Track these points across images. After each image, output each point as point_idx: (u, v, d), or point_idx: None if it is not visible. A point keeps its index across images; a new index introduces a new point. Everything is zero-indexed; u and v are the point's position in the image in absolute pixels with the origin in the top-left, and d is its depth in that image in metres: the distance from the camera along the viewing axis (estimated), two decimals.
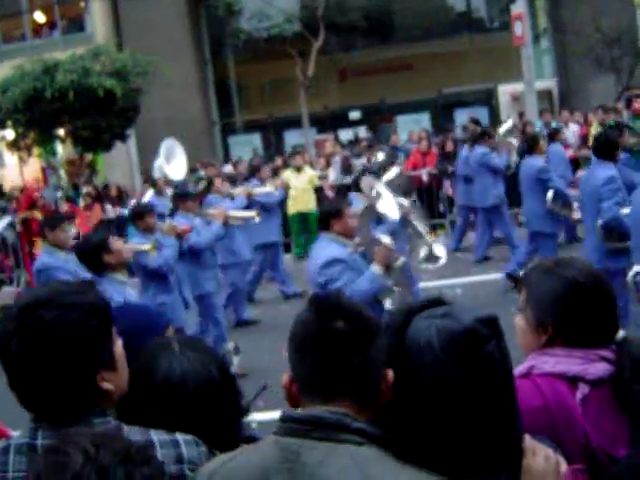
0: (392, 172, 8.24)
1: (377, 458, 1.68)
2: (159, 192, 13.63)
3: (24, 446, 1.88)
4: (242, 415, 2.28)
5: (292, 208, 15.03)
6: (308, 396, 1.79)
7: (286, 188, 15.11)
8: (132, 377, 2.08)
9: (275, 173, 16.50)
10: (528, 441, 1.82)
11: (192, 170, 17.15)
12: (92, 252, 6.10)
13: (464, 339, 1.73)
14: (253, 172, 13.52)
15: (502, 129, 13.22)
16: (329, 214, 6.07)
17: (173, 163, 14.03)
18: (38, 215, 13.81)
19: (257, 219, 9.77)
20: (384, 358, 1.79)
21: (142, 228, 7.89)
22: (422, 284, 10.23)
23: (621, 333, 2.32)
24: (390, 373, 1.78)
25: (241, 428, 2.30)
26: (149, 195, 13.87)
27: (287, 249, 15.94)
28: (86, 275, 6.29)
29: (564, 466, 1.84)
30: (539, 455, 1.80)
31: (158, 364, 2.16)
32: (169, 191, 13.61)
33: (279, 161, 17.91)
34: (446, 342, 1.73)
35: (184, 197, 9.32)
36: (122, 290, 5.95)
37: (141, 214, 7.98)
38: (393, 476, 1.66)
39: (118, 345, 2.03)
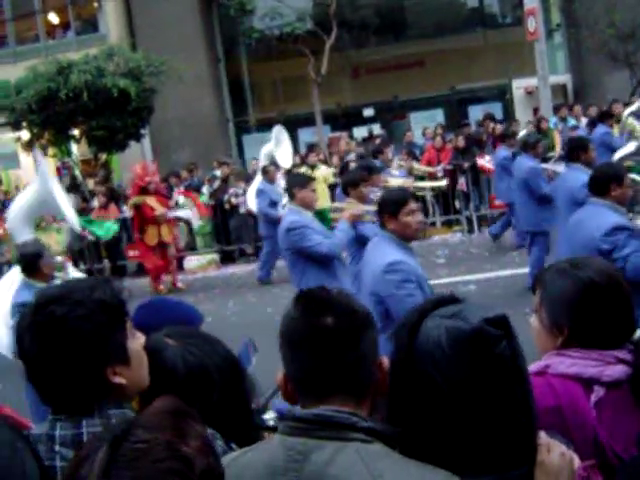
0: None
1: (384, 455, 1.69)
2: (270, 180, 13.55)
3: (43, 436, 1.94)
4: (249, 408, 2.28)
5: None
6: (304, 394, 1.79)
7: None
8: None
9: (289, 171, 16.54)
10: (543, 438, 1.81)
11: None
12: None
13: (472, 340, 1.72)
14: (375, 154, 13.24)
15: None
16: (609, 178, 5.34)
17: (280, 150, 14.16)
18: (150, 201, 13.65)
19: None
20: (377, 349, 1.79)
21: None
22: (436, 280, 10.23)
23: (638, 333, 2.31)
24: (385, 361, 1.78)
25: (253, 422, 2.30)
26: (258, 182, 13.72)
27: None
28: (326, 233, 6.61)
29: (577, 463, 1.83)
30: (554, 452, 1.79)
31: (160, 356, 2.20)
32: (280, 178, 13.98)
33: (296, 159, 17.93)
34: (454, 343, 1.73)
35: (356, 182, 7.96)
36: None
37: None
38: (401, 471, 1.66)
39: (136, 341, 2.07)
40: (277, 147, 14.37)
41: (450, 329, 1.75)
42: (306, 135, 25.51)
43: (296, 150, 19.91)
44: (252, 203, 13.66)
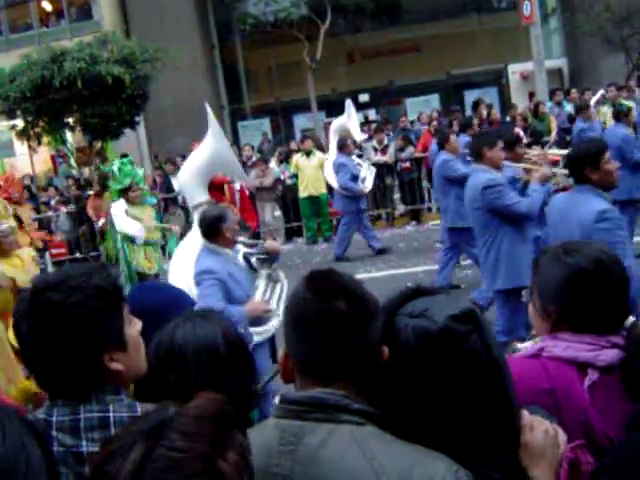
0: None
1: (377, 436, 1.68)
2: (348, 153, 13.38)
3: (41, 422, 1.94)
4: (252, 390, 2.27)
5: (303, 192, 15.03)
6: (305, 376, 1.78)
7: (296, 172, 15.20)
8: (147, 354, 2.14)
9: (287, 157, 16.53)
10: (526, 417, 1.82)
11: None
12: None
13: (440, 340, 1.71)
14: (464, 129, 12.84)
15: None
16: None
17: (352, 122, 14.24)
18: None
19: None
20: (380, 337, 1.77)
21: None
22: (433, 266, 10.24)
23: (630, 319, 2.30)
24: (385, 350, 1.77)
25: (254, 403, 2.30)
26: (334, 153, 13.57)
27: (299, 233, 15.98)
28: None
29: (563, 436, 1.84)
30: (537, 430, 1.79)
31: (164, 334, 2.19)
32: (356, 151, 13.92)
33: (292, 145, 17.91)
34: (422, 344, 1.72)
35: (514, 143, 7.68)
36: None
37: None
38: (394, 452, 1.65)
39: (133, 327, 2.08)
40: (349, 120, 14.25)
41: (417, 330, 1.74)
42: (301, 121, 25.49)
43: (292, 136, 19.93)
44: (331, 179, 13.41)
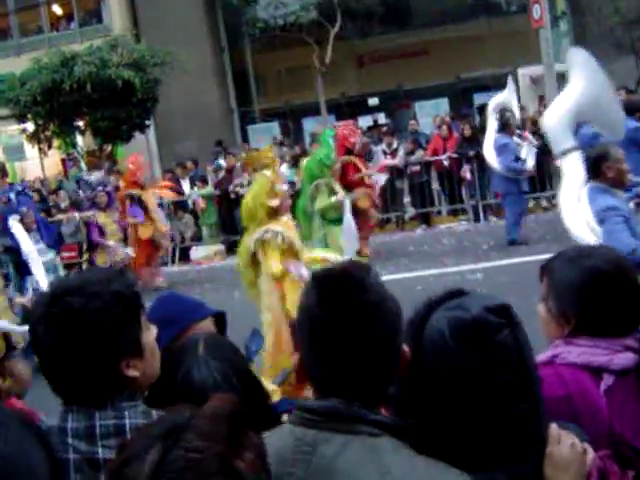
0: None
1: (393, 448, 1.66)
2: (511, 133, 13.14)
3: (55, 428, 1.93)
4: (270, 418, 2.25)
5: None
6: (321, 385, 1.75)
7: None
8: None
9: (295, 161, 16.54)
10: (553, 429, 1.79)
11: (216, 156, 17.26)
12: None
13: (473, 329, 1.71)
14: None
15: None
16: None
17: (513, 99, 13.99)
18: (354, 160, 12.99)
19: None
20: (402, 340, 1.74)
21: None
22: (442, 269, 10.23)
23: None
24: (406, 351, 1.74)
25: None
26: (492, 133, 13.19)
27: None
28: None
29: (591, 455, 1.80)
30: (564, 443, 1.76)
31: (181, 364, 2.19)
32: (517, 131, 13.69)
33: (296, 149, 17.93)
34: (456, 333, 1.72)
35: None
36: None
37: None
38: (409, 467, 1.63)
39: (149, 333, 2.07)
40: (510, 96, 13.94)
41: (452, 319, 1.74)
42: (311, 125, 25.47)
43: (301, 140, 19.93)
44: (492, 160, 12.99)
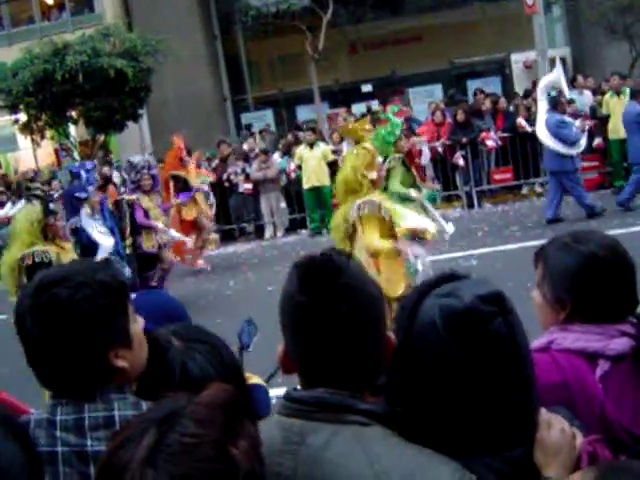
0: None
1: (381, 437, 1.65)
2: (562, 111, 13.14)
3: (44, 421, 1.92)
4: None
5: (306, 183, 15.01)
6: (308, 375, 1.73)
7: (300, 164, 15.17)
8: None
9: (289, 149, 16.51)
10: (544, 414, 1.78)
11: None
12: None
13: (465, 318, 1.68)
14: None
15: None
16: None
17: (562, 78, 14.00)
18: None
19: None
20: (386, 325, 1.72)
21: None
22: (437, 256, 10.21)
23: None
24: (392, 337, 1.73)
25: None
26: (543, 110, 13.06)
27: (303, 224, 15.97)
28: None
29: (580, 439, 1.80)
30: (554, 428, 1.76)
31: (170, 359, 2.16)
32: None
33: (289, 137, 17.88)
34: (447, 322, 1.69)
35: None
36: None
37: None
38: (399, 456, 1.62)
39: (136, 324, 2.06)
40: (559, 75, 13.90)
41: (443, 308, 1.71)
42: (304, 112, 25.45)
43: (296, 127, 19.87)
44: (544, 137, 12.84)
